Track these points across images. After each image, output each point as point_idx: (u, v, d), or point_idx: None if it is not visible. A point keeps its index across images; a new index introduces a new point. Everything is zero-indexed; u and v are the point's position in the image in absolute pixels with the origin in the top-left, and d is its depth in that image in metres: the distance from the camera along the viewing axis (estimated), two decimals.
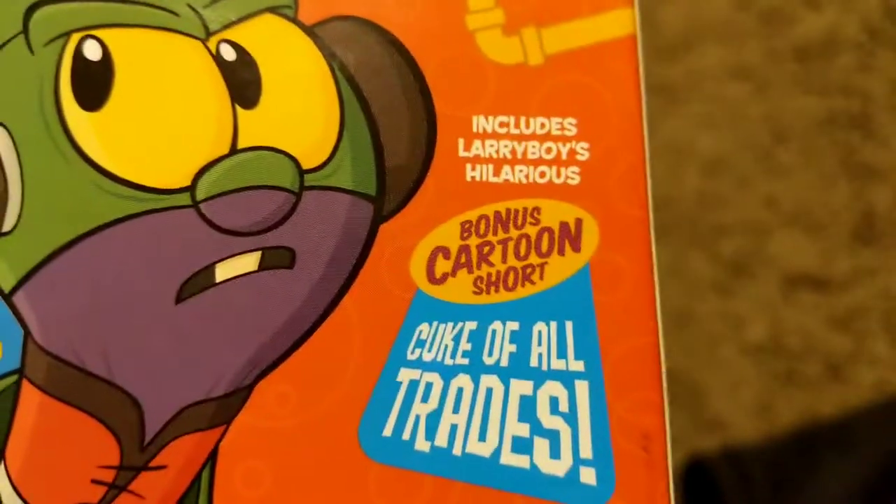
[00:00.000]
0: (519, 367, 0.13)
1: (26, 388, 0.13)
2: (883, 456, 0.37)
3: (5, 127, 0.13)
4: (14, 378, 0.13)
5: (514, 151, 0.13)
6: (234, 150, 0.13)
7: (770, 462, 0.40)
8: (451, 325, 0.13)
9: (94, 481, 0.13)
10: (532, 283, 0.13)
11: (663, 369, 0.13)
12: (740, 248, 0.49)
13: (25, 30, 0.13)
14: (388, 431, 0.13)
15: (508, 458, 0.13)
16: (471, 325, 0.13)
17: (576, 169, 0.13)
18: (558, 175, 0.13)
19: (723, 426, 0.47)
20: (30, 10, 0.13)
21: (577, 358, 0.13)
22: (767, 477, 0.38)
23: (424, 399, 0.13)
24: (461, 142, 0.13)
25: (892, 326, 0.47)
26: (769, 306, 0.48)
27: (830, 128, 0.50)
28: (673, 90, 0.52)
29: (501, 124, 0.13)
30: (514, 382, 0.13)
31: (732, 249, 0.49)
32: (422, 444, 0.13)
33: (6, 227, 0.13)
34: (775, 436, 0.45)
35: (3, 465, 0.13)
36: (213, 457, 0.13)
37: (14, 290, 0.13)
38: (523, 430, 0.13)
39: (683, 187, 0.51)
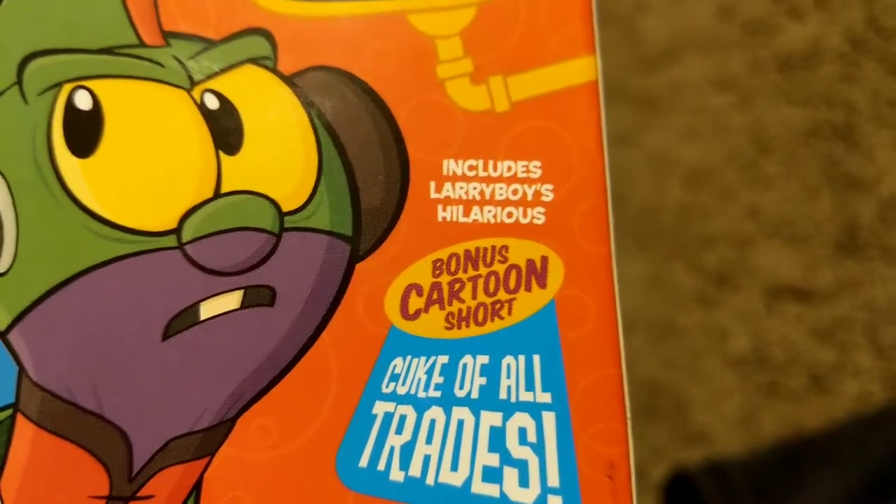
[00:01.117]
0: (489, 399, 0.13)
1: (20, 421, 0.14)
2: (866, 467, 0.38)
3: (1, 173, 0.14)
4: (9, 412, 0.14)
5: (482, 193, 0.14)
6: (217, 194, 0.14)
7: (753, 474, 0.40)
8: (423, 359, 0.13)
9: None
10: (501, 318, 0.13)
11: (627, 400, 0.13)
12: (724, 260, 0.50)
13: (20, 80, 0.14)
14: (364, 462, 0.13)
15: (479, 487, 0.13)
16: (443, 359, 0.13)
17: (541, 209, 0.14)
18: (524, 215, 0.14)
19: (706, 438, 0.47)
20: (24, 62, 0.14)
21: (544, 390, 0.13)
22: (750, 489, 0.39)
23: (399, 431, 0.13)
24: (433, 184, 0.14)
25: (876, 338, 0.48)
26: (752, 318, 0.49)
27: (814, 139, 0.51)
28: (656, 101, 0.53)
29: (470, 167, 0.14)
30: (484, 414, 0.13)
31: (716, 261, 0.50)
32: (396, 475, 0.13)
33: (1, 269, 0.14)
34: (758, 448, 0.46)
35: None
36: (198, 487, 0.13)
37: (9, 328, 0.14)
38: (493, 459, 0.13)
39: (666, 198, 0.51)
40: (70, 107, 0.14)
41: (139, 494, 0.14)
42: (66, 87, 0.14)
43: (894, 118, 0.50)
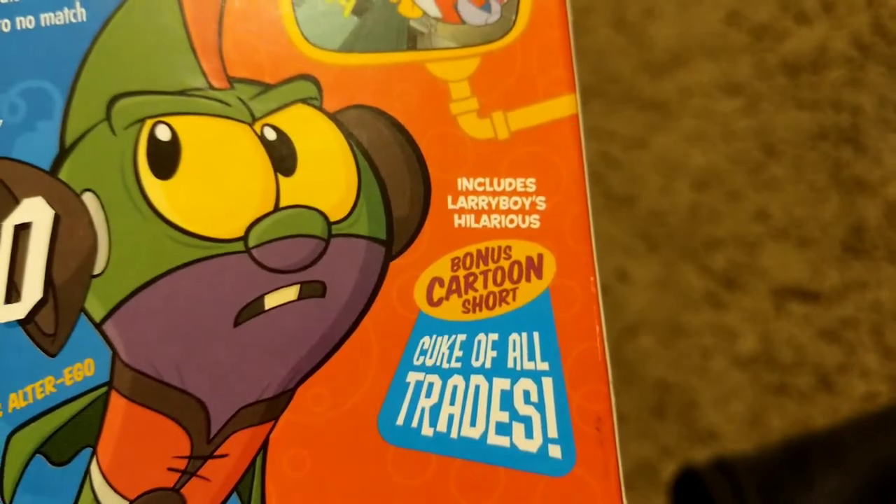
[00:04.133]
0: (499, 368, 0.20)
1: (114, 397, 0.20)
2: (873, 467, 0.44)
3: (95, 193, 0.20)
4: (104, 389, 0.20)
5: (489, 204, 0.20)
6: (277, 208, 0.20)
7: (761, 473, 0.46)
8: (446, 337, 0.20)
9: (170, 469, 0.20)
10: (507, 303, 0.20)
11: (608, 365, 0.20)
12: (732, 261, 0.57)
13: (108, 117, 0.20)
14: (400, 421, 0.20)
15: (493, 439, 0.20)
16: (461, 337, 0.20)
17: (536, 217, 0.20)
18: (524, 221, 0.20)
19: (715, 437, 0.54)
20: (111, 102, 0.20)
21: (543, 360, 0.20)
22: (759, 487, 0.45)
23: (428, 395, 0.20)
24: (449, 198, 0.20)
25: (883, 339, 0.55)
26: (761, 318, 0.56)
27: (821, 142, 0.58)
28: (665, 105, 0.60)
29: (480, 184, 0.20)
30: (496, 380, 0.20)
31: (724, 262, 0.57)
32: (427, 430, 0.20)
33: (97, 271, 0.20)
34: (766, 447, 0.52)
35: (95, 460, 0.20)
36: (265, 446, 0.20)
37: (104, 320, 0.20)
38: (504, 417, 0.20)
39: (676, 201, 0.58)
40: (152, 138, 0.20)
41: (216, 454, 0.20)
42: (149, 122, 0.20)
43: None
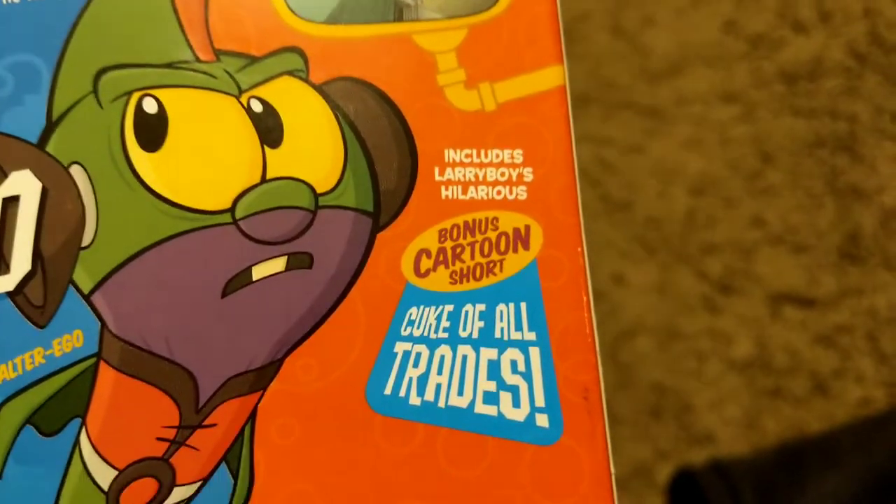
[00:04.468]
0: (486, 338, 0.20)
1: (103, 367, 0.20)
2: (868, 471, 0.45)
3: (82, 165, 0.21)
4: (93, 360, 0.20)
5: (476, 176, 0.21)
6: (264, 180, 0.21)
7: (757, 474, 0.47)
8: (433, 308, 0.20)
9: (159, 439, 0.20)
10: (494, 274, 0.21)
11: (595, 335, 0.20)
12: (728, 267, 0.58)
13: (95, 90, 0.21)
14: (388, 390, 0.20)
15: (481, 408, 0.20)
16: (449, 308, 0.20)
17: (523, 188, 0.21)
18: (510, 193, 0.21)
19: (711, 440, 0.54)
20: (98, 75, 0.21)
21: (530, 330, 0.20)
22: (754, 489, 0.45)
23: (415, 365, 0.20)
24: (436, 169, 0.21)
25: (878, 345, 0.55)
26: (757, 324, 0.56)
27: (818, 150, 0.59)
28: (662, 112, 0.60)
29: (467, 155, 0.21)
30: (483, 350, 0.20)
31: (721, 268, 0.58)
32: (414, 400, 0.20)
33: (85, 243, 0.21)
34: (762, 449, 0.52)
35: (84, 430, 0.20)
36: (253, 416, 0.20)
37: (92, 291, 0.20)
38: (491, 386, 0.20)
39: (672, 206, 0.59)
40: (139, 111, 0.21)
41: (205, 423, 0.20)
42: (136, 95, 0.21)
43: None
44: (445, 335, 0.20)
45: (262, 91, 0.21)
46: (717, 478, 0.48)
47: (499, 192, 0.21)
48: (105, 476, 0.20)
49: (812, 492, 0.45)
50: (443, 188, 0.21)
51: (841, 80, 0.59)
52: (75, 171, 0.21)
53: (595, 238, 0.60)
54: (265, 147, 0.21)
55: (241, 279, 0.21)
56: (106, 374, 0.20)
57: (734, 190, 0.59)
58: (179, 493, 0.20)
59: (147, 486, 0.20)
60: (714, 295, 0.58)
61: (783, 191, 0.59)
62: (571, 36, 0.62)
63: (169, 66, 0.21)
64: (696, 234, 0.59)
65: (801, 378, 0.56)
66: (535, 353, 0.20)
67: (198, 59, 0.21)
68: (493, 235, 0.21)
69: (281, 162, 0.21)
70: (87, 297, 0.21)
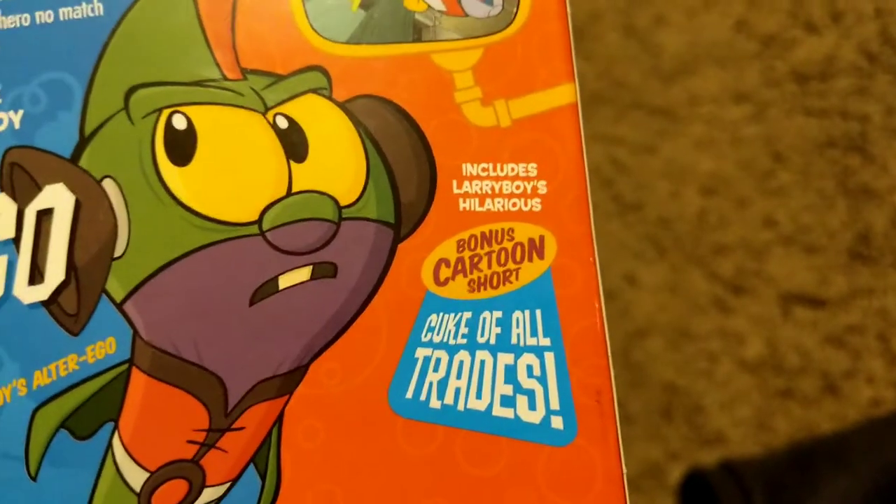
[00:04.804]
0: (503, 344, 0.22)
1: (135, 373, 0.22)
2: (880, 471, 0.45)
3: (114, 179, 0.22)
4: (125, 366, 0.22)
5: (493, 188, 0.22)
6: (289, 193, 0.22)
7: (768, 475, 0.48)
8: (452, 315, 0.22)
9: (189, 441, 0.21)
10: (510, 282, 0.22)
11: (607, 340, 0.21)
12: (740, 267, 0.59)
13: (126, 107, 0.22)
14: (409, 394, 0.21)
15: (498, 411, 0.21)
16: (467, 315, 0.22)
17: (538, 200, 0.22)
18: (525, 204, 0.22)
19: (722, 440, 0.55)
20: (129, 93, 0.22)
21: (545, 336, 0.22)
22: (765, 489, 0.46)
23: (435, 370, 0.21)
24: (454, 182, 0.22)
25: (889, 345, 0.56)
26: (768, 324, 0.57)
27: (829, 149, 0.60)
28: (673, 112, 0.61)
29: (483, 169, 0.22)
30: (500, 355, 0.22)
31: (732, 268, 0.59)
32: (434, 403, 0.21)
33: (117, 253, 0.22)
34: (773, 450, 0.53)
35: (117, 433, 0.21)
36: (280, 419, 0.21)
37: (124, 300, 0.22)
38: (508, 390, 0.21)
39: (684, 207, 0.60)
40: (169, 127, 0.22)
41: (233, 426, 0.21)
42: (166, 112, 0.22)
43: None
44: (464, 341, 0.22)
45: (287, 108, 0.22)
46: (728, 478, 0.48)
47: (514, 204, 0.22)
48: (137, 478, 0.22)
49: (824, 492, 0.46)
50: (461, 200, 0.22)
51: (852, 80, 0.60)
52: (107, 184, 0.22)
53: (607, 238, 0.61)
54: (291, 161, 0.22)
55: (267, 288, 0.22)
56: (138, 380, 0.22)
57: (745, 190, 0.60)
58: (209, 493, 0.22)
59: (178, 488, 0.22)
60: (725, 295, 0.59)
61: (794, 191, 0.60)
62: (583, 35, 0.63)
63: (197, 83, 0.22)
64: (707, 235, 0.60)
65: (812, 378, 0.57)
66: (549, 357, 0.22)
67: (225, 78, 0.22)
68: (508, 245, 0.22)
69: (306, 176, 0.22)
70: (119, 306, 0.22)
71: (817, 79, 0.61)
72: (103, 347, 0.22)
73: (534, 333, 0.22)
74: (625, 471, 0.21)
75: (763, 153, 0.60)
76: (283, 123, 0.22)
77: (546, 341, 0.22)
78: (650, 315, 0.59)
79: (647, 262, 0.59)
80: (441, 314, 0.22)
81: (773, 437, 0.55)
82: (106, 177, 0.22)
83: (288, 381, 0.22)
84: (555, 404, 0.21)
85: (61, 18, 0.22)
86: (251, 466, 0.22)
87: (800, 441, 0.53)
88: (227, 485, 0.22)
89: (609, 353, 0.22)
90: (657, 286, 0.59)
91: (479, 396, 0.22)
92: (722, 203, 0.61)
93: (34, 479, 0.22)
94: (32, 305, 0.22)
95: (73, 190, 0.22)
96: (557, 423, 0.21)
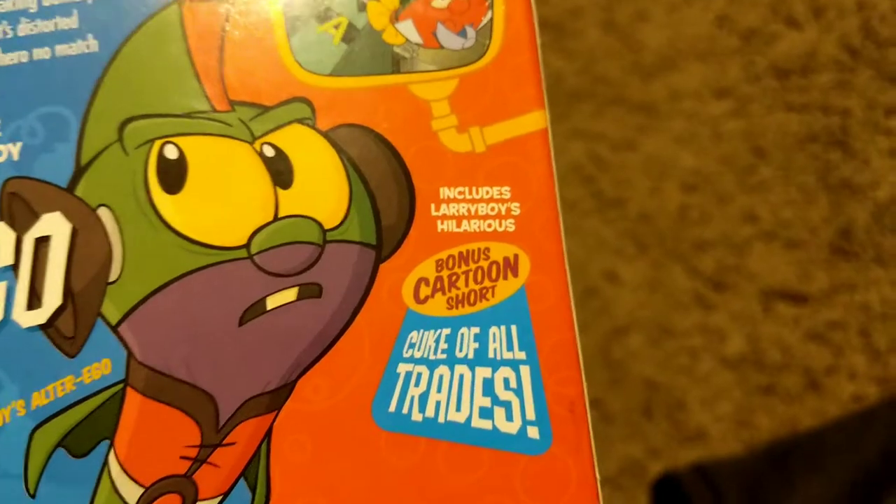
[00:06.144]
0: (481, 358, 0.24)
1: (129, 393, 0.24)
2: (855, 469, 0.48)
3: (109, 207, 0.24)
4: (120, 386, 0.24)
5: (469, 210, 0.24)
6: (276, 218, 0.24)
7: (742, 476, 0.50)
8: (432, 331, 0.24)
9: (182, 457, 0.24)
10: (487, 299, 0.24)
11: (580, 353, 0.23)
12: (721, 263, 0.61)
13: (120, 138, 0.24)
14: (392, 408, 0.24)
15: (477, 423, 0.24)
16: (446, 331, 0.24)
17: (512, 221, 0.24)
18: (500, 225, 0.24)
19: (703, 437, 0.58)
20: (123, 125, 0.24)
21: (520, 350, 0.24)
22: (739, 491, 0.49)
23: (416, 384, 0.24)
24: (433, 205, 0.24)
25: (871, 340, 0.58)
26: (749, 320, 0.59)
27: (810, 144, 0.62)
28: (654, 108, 0.63)
29: (460, 192, 0.24)
30: (478, 369, 0.24)
31: (713, 264, 0.61)
32: (416, 416, 0.24)
33: (112, 278, 0.24)
34: (748, 450, 0.55)
35: (113, 451, 0.23)
36: (269, 434, 0.24)
37: (119, 322, 0.24)
38: (486, 402, 0.24)
39: (664, 203, 0.62)
40: (161, 157, 0.24)
41: (224, 442, 0.24)
42: (158, 143, 0.24)
43: (889, 125, 0.61)
44: (444, 356, 0.24)
45: (273, 137, 0.24)
46: (700, 481, 0.51)
47: (489, 225, 0.24)
48: (132, 493, 0.24)
49: (799, 493, 0.48)
50: (438, 222, 0.24)
51: (834, 75, 0.62)
52: (102, 212, 0.24)
53: (587, 235, 0.63)
54: (277, 188, 0.24)
55: (256, 309, 0.24)
56: (132, 399, 0.24)
57: (726, 185, 0.62)
58: None
59: (172, 502, 0.24)
60: (706, 291, 0.61)
61: (776, 186, 0.62)
62: (563, 32, 0.65)
63: (188, 115, 0.24)
64: (688, 231, 0.62)
65: (793, 374, 0.59)
66: (525, 370, 0.24)
67: (214, 109, 0.24)
68: (485, 264, 0.24)
69: (292, 201, 0.24)
70: (114, 328, 0.24)
71: (798, 73, 0.63)
72: (99, 368, 0.24)
73: (510, 348, 0.24)
74: (598, 477, 0.24)
75: (744, 148, 0.62)
76: (269, 152, 0.24)
77: (521, 355, 0.24)
78: (630, 312, 0.61)
79: (628, 259, 0.61)
80: (421, 331, 0.24)
81: (754, 434, 0.57)
82: (101, 205, 0.24)
83: (276, 398, 0.24)
84: (531, 415, 0.24)
85: (58, 55, 0.24)
86: (242, 480, 0.24)
87: (776, 441, 0.56)
88: (219, 498, 0.24)
89: (581, 365, 0.24)
90: (637, 283, 0.61)
91: (458, 409, 0.24)
92: (703, 199, 0.62)
93: (33, 496, 0.24)
94: (31, 329, 0.24)
95: (69, 218, 0.24)
96: (533, 433, 0.24)
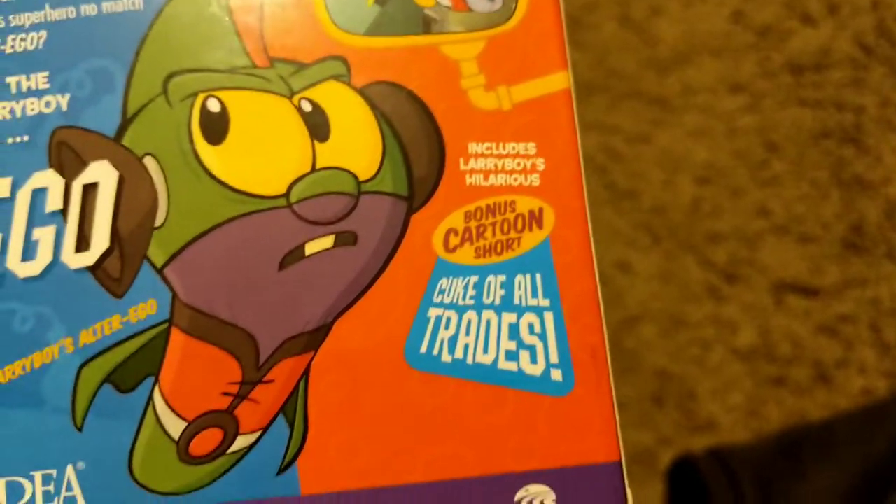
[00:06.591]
0: (507, 304, 0.25)
1: (174, 332, 0.25)
2: (865, 460, 0.49)
3: (155, 157, 0.26)
4: (165, 326, 0.25)
5: (496, 165, 0.26)
6: (314, 169, 0.26)
7: (755, 463, 0.51)
8: (461, 279, 0.26)
9: (224, 393, 0.25)
10: (513, 250, 0.26)
11: (601, 303, 0.25)
12: (733, 256, 0.61)
13: (165, 91, 0.26)
14: (423, 350, 0.25)
15: (503, 365, 0.25)
16: (474, 279, 0.26)
17: (536, 176, 0.26)
18: (526, 179, 0.26)
19: (713, 427, 0.59)
20: (167, 78, 0.26)
21: (544, 297, 0.25)
22: (752, 477, 0.50)
23: (446, 328, 0.25)
24: (461, 160, 0.26)
25: (881, 335, 0.59)
26: (761, 312, 0.60)
27: (824, 140, 0.63)
28: (669, 102, 0.64)
29: (487, 148, 0.26)
30: (504, 315, 0.25)
31: (726, 256, 0.61)
32: (446, 357, 0.25)
33: (158, 223, 0.26)
34: (761, 438, 0.56)
35: (158, 387, 0.25)
36: (307, 372, 0.25)
37: (164, 265, 0.25)
38: (512, 345, 0.25)
39: (678, 195, 0.63)
40: (204, 109, 0.26)
41: (264, 379, 0.25)
42: (201, 96, 0.26)
43: None
44: (472, 302, 0.26)
45: (310, 93, 0.26)
46: (716, 465, 0.52)
47: (515, 179, 0.26)
48: (176, 427, 0.25)
49: (811, 480, 0.49)
50: (467, 176, 0.26)
51: (848, 72, 0.63)
52: (148, 161, 0.26)
53: (601, 226, 0.64)
54: (314, 141, 0.26)
55: (295, 255, 0.26)
56: (176, 338, 0.25)
57: (740, 179, 0.63)
58: (242, 441, 0.25)
59: (214, 436, 0.25)
60: (719, 283, 0.62)
61: (789, 181, 0.63)
62: (579, 25, 0.66)
63: (230, 70, 0.26)
64: (701, 223, 0.63)
65: (803, 367, 0.60)
66: (549, 317, 0.25)
67: (254, 66, 0.26)
68: (511, 216, 0.26)
69: (328, 154, 0.26)
70: (159, 271, 0.25)
71: (813, 70, 0.64)
72: (145, 308, 0.25)
73: (534, 295, 0.26)
74: (618, 419, 0.25)
75: (757, 143, 0.63)
76: (307, 107, 0.26)
77: (546, 302, 0.25)
78: (643, 302, 0.62)
79: (641, 250, 0.62)
80: (451, 278, 0.26)
81: (764, 425, 0.58)
82: (147, 154, 0.26)
83: (314, 339, 0.25)
84: (554, 359, 0.25)
85: (104, 12, 0.26)
86: (280, 416, 0.25)
87: (787, 430, 0.57)
88: (259, 433, 0.25)
89: (602, 314, 0.25)
90: (650, 274, 0.62)
91: (485, 351, 0.25)
92: (716, 192, 0.63)
93: (80, 429, 0.25)
94: (79, 271, 0.25)
95: (116, 166, 0.26)
96: (557, 375, 0.25)
